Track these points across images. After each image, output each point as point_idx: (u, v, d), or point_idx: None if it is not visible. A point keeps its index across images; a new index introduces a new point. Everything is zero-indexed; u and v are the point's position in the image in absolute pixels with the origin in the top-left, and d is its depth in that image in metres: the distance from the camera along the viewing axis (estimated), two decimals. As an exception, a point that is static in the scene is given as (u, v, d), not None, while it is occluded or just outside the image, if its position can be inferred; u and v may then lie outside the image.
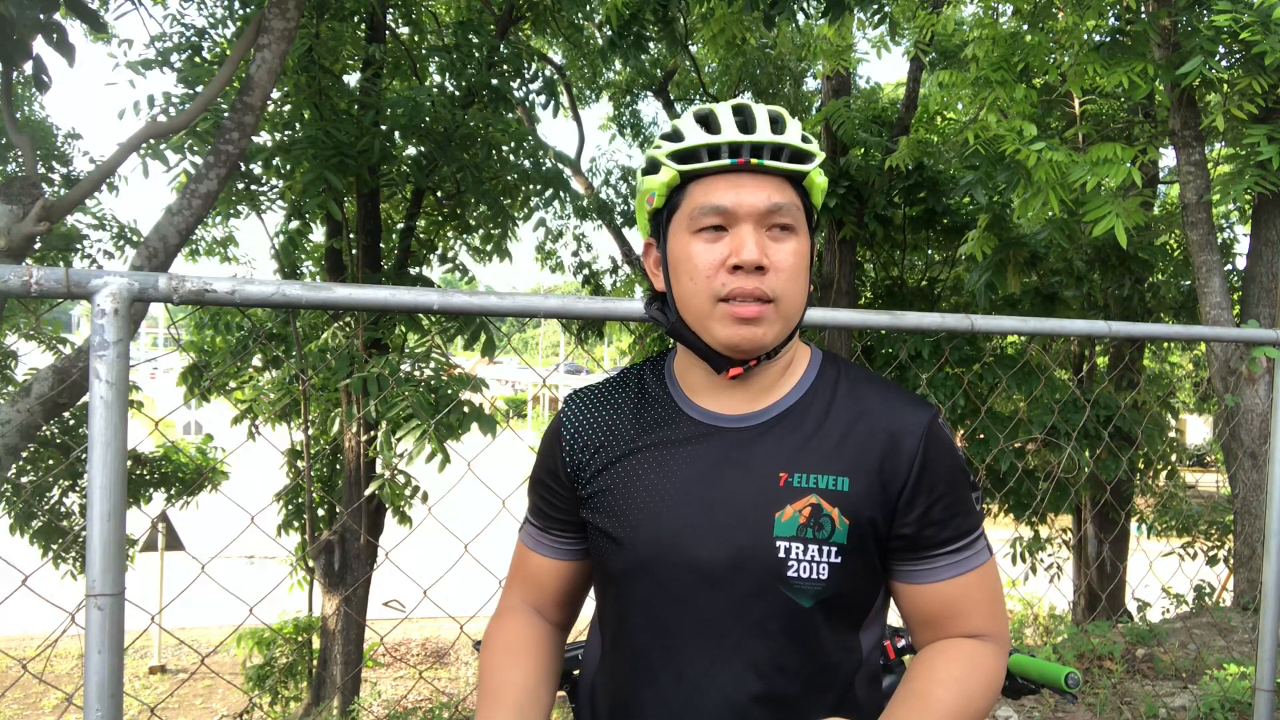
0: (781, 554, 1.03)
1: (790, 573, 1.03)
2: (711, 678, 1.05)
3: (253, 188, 7.52)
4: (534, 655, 1.18)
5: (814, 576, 1.03)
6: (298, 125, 6.89)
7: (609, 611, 1.15)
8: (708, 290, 1.04)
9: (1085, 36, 6.15)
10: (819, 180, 1.08)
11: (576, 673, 1.34)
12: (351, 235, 7.92)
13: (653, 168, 1.09)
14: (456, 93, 7.34)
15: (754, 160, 1.03)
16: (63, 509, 8.19)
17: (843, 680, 1.08)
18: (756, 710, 1.04)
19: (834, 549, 1.03)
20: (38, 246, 6.66)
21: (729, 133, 1.03)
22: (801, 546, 1.03)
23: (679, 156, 1.05)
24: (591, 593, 1.26)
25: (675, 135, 1.08)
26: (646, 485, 1.10)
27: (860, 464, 1.06)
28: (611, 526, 1.11)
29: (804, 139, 1.06)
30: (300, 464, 8.49)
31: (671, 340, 1.16)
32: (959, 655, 1.06)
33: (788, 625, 1.04)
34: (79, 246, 8.06)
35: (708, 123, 1.06)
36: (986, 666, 1.07)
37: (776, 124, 1.06)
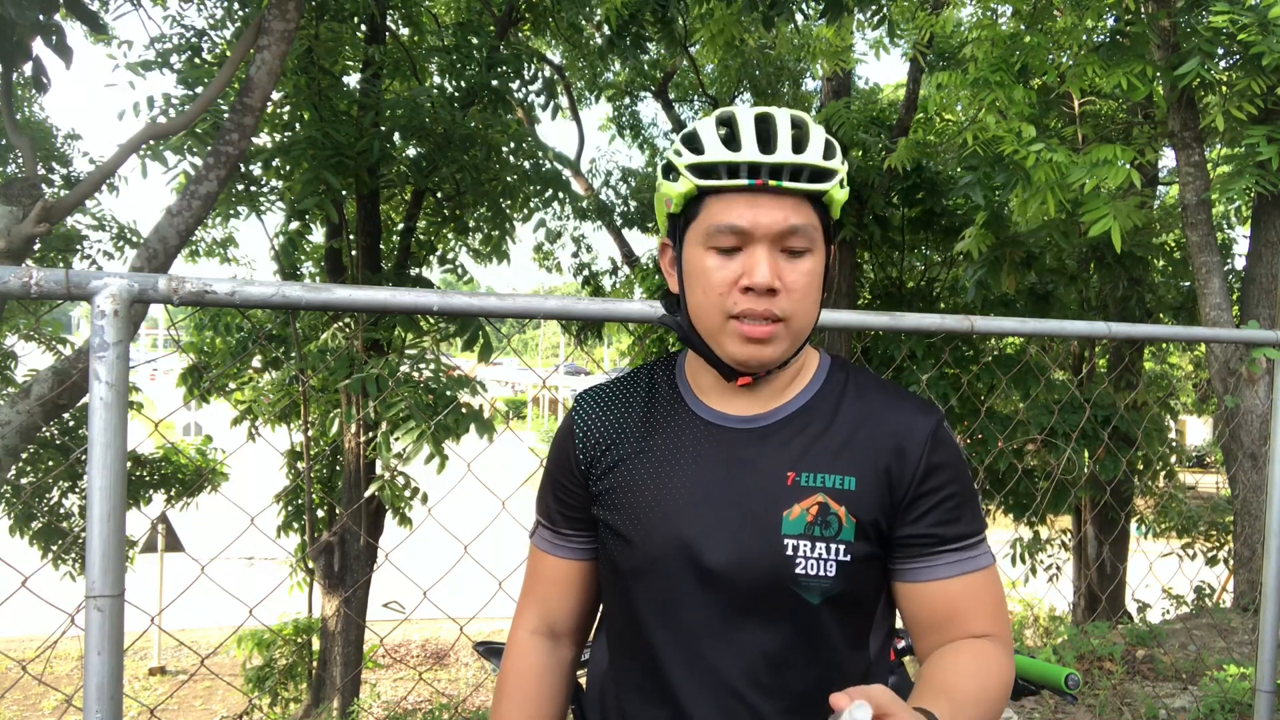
0: (789, 551, 1.04)
1: (798, 570, 1.04)
2: (721, 673, 1.06)
3: (252, 189, 7.52)
4: (547, 700, 1.22)
5: (822, 574, 1.04)
6: (297, 126, 6.88)
7: (617, 609, 1.16)
8: (720, 307, 1.05)
9: (1084, 37, 6.15)
10: (839, 196, 1.07)
11: (582, 677, 1.34)
12: (351, 236, 7.92)
13: (673, 174, 1.08)
14: (456, 94, 7.34)
15: (772, 182, 1.02)
16: (62, 510, 8.19)
17: (851, 678, 1.09)
18: (766, 705, 1.05)
19: (841, 547, 1.05)
20: (37, 247, 6.66)
21: (749, 151, 1.02)
22: (809, 544, 1.04)
23: (698, 170, 1.04)
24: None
25: (695, 142, 1.06)
26: (656, 483, 1.11)
27: (866, 465, 1.07)
28: (621, 524, 1.12)
29: (826, 152, 1.05)
30: (300, 465, 8.49)
31: (673, 339, 1.17)
32: (970, 650, 1.06)
33: (796, 622, 1.05)
34: (79, 247, 8.06)
35: (729, 134, 1.05)
36: (999, 661, 1.07)
37: (799, 140, 1.04)
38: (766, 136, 1.04)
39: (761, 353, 1.05)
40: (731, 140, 1.04)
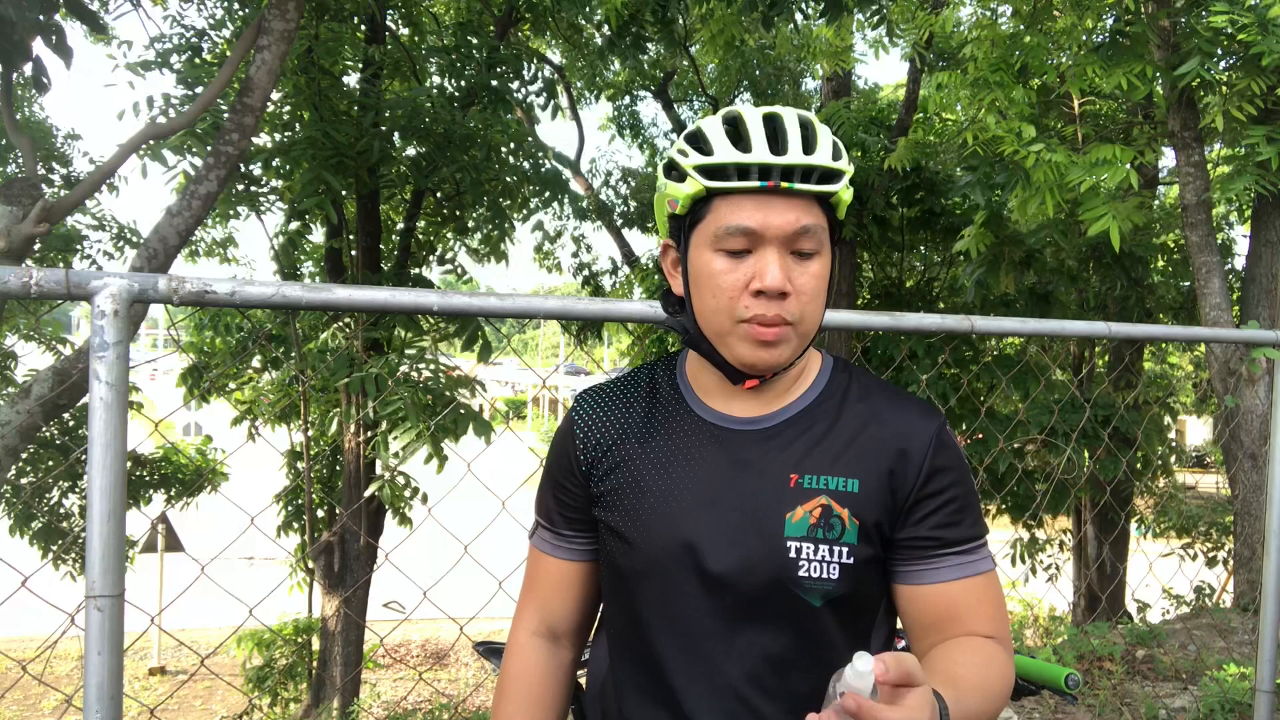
0: (792, 554, 1.04)
1: (801, 572, 1.04)
2: (724, 675, 1.06)
3: (252, 189, 7.53)
4: (547, 701, 1.22)
5: (824, 576, 1.04)
6: (297, 126, 6.88)
7: (619, 610, 1.16)
8: (730, 310, 1.04)
9: (1084, 37, 6.15)
10: (846, 197, 1.06)
11: (582, 677, 1.34)
12: (351, 236, 7.93)
13: (678, 174, 1.06)
14: (456, 94, 7.34)
15: (784, 184, 1.01)
16: (62, 510, 8.19)
17: None
18: (768, 707, 1.05)
19: (844, 549, 1.05)
20: (37, 247, 6.66)
21: (760, 152, 1.00)
22: (812, 547, 1.04)
23: (706, 171, 1.02)
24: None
25: (702, 142, 1.04)
26: (658, 485, 1.11)
27: (869, 467, 1.07)
28: (623, 526, 1.12)
29: (835, 153, 1.04)
30: (300, 465, 8.49)
31: (672, 339, 1.16)
32: (972, 646, 1.06)
33: (798, 624, 1.05)
34: (79, 247, 8.07)
35: (737, 134, 1.03)
36: (1000, 660, 1.06)
37: (808, 140, 1.03)
38: (776, 137, 1.02)
39: (771, 355, 1.04)
40: (739, 140, 1.03)
